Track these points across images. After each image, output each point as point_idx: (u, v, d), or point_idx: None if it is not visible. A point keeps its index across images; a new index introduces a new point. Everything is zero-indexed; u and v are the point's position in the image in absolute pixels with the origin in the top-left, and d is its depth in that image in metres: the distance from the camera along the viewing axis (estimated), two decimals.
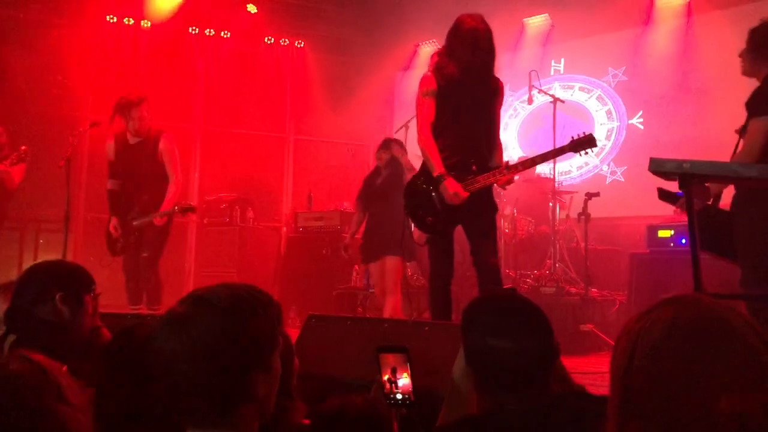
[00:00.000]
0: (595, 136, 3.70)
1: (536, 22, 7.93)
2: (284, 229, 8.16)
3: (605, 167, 7.39)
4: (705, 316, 0.91)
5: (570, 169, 7.58)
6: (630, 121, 7.30)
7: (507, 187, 3.92)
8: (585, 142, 3.62)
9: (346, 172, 8.75)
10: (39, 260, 7.53)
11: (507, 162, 3.77)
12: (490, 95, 3.79)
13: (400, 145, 5.57)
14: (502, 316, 1.56)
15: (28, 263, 7.55)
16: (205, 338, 1.21)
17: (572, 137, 3.67)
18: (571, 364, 4.59)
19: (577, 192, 6.60)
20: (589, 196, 5.64)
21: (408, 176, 4.87)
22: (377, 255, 5.35)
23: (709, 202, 2.96)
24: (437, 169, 3.65)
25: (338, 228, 7.10)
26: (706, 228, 2.82)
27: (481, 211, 3.73)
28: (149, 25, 8.15)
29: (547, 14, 7.81)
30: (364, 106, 8.41)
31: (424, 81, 3.79)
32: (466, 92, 3.70)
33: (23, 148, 5.50)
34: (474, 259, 3.74)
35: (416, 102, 3.84)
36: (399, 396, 1.86)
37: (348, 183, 8.44)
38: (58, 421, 1.36)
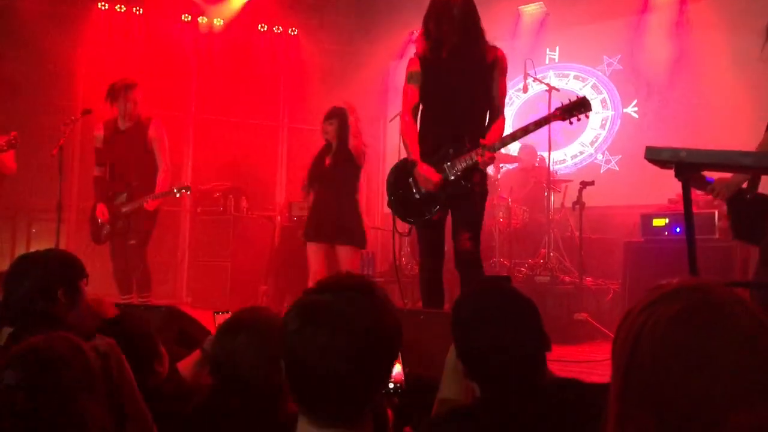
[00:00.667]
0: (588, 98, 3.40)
1: (531, 9, 7.89)
2: (278, 218, 8.13)
3: (600, 156, 7.38)
4: (714, 316, 0.87)
5: (565, 158, 7.57)
6: (625, 110, 7.29)
7: (490, 167, 3.79)
8: (576, 107, 3.35)
9: None
10: (31, 249, 7.53)
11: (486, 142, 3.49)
12: (478, 68, 3.54)
13: (343, 115, 4.98)
14: (488, 310, 1.53)
15: (20, 252, 7.53)
16: (359, 332, 1.15)
17: (561, 103, 3.41)
18: (565, 352, 4.61)
19: (571, 181, 6.60)
20: (584, 184, 5.63)
21: (354, 143, 4.73)
22: (323, 238, 4.78)
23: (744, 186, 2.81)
24: (411, 154, 3.56)
25: None
26: (741, 215, 2.74)
27: (463, 196, 3.55)
28: (141, 12, 8.08)
29: (541, 2, 7.77)
30: (358, 94, 8.34)
31: (408, 64, 3.69)
32: (445, 69, 3.52)
33: (13, 133, 5.46)
34: (453, 245, 3.59)
35: (403, 84, 3.71)
36: (390, 385, 1.85)
37: None
38: (82, 410, 1.39)
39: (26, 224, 7.45)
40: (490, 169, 6.66)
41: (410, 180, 3.61)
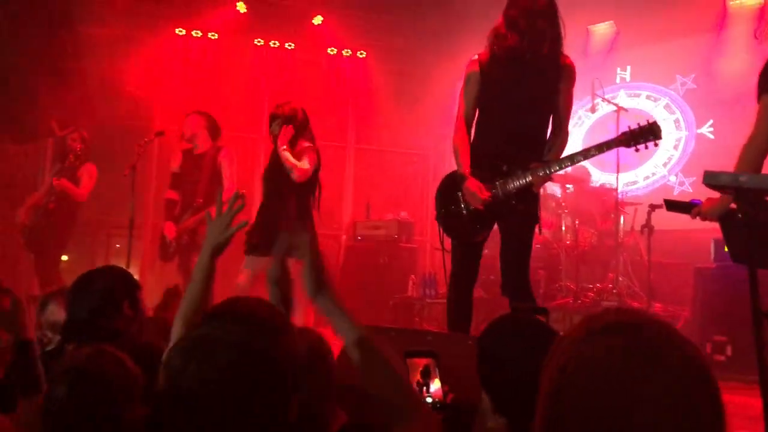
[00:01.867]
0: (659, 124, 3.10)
1: (601, 29, 7.76)
2: (343, 237, 8.22)
3: (673, 178, 7.15)
4: (644, 360, 0.82)
5: (636, 180, 7.36)
6: (699, 131, 7.04)
7: (542, 189, 3.48)
8: (644, 134, 3.07)
9: (405, 182, 8.76)
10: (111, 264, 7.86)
11: (541, 162, 3.28)
12: (554, 72, 3.31)
13: (288, 118, 4.77)
14: (507, 345, 1.49)
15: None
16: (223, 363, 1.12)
17: (629, 127, 3.12)
18: None
19: (641, 203, 6.40)
20: (653, 207, 5.45)
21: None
22: (270, 251, 4.57)
23: None
24: (462, 167, 3.32)
25: (395, 237, 7.11)
26: (735, 237, 2.57)
27: (513, 220, 3.34)
28: (216, 37, 8.39)
29: (612, 21, 7.63)
30: (425, 115, 8.42)
31: (467, 65, 3.43)
32: (522, 69, 3.26)
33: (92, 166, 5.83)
34: (501, 269, 3.40)
35: (459, 93, 3.49)
36: (429, 401, 1.84)
37: (406, 192, 8.46)
38: (125, 423, 1.46)
39: (104, 240, 7.79)
40: (557, 190, 6.55)
41: (459, 194, 3.40)
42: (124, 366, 1.53)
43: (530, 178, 3.24)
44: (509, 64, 3.28)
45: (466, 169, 3.32)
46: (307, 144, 4.64)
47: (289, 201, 4.53)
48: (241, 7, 8.26)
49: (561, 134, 3.42)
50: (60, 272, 5.97)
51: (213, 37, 8.41)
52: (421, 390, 1.82)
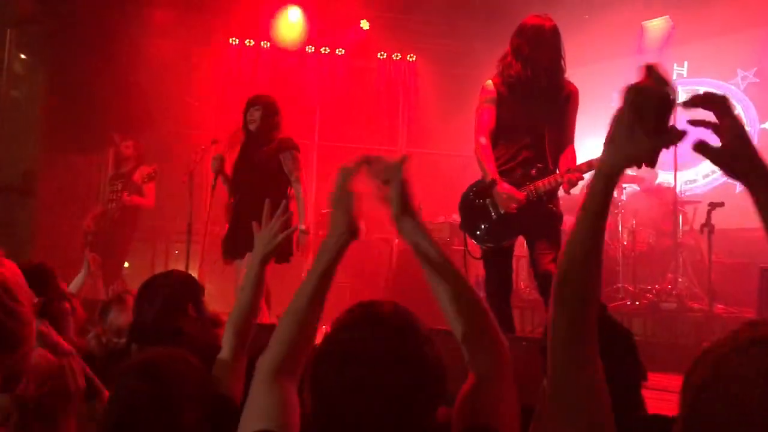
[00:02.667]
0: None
1: (655, 24, 7.58)
2: (395, 240, 8.24)
3: None
4: None
5: (695, 178, 7.17)
6: (762, 126, 6.81)
7: (572, 191, 3.56)
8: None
9: (457, 185, 8.72)
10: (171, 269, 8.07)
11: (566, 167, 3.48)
12: (560, 99, 3.56)
13: (268, 105, 4.50)
14: None
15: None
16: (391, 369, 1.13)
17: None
18: None
19: (701, 202, 6.23)
20: (713, 206, 5.30)
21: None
22: (237, 253, 4.29)
23: None
24: (490, 174, 3.48)
25: (448, 240, 7.09)
26: None
27: (542, 219, 3.49)
28: (268, 45, 8.54)
29: (667, 16, 7.45)
30: (473, 117, 8.37)
31: (482, 91, 3.66)
32: (530, 95, 3.50)
33: (153, 166, 5.95)
34: (534, 270, 3.50)
35: (475, 109, 3.67)
36: None
37: (458, 195, 8.42)
38: (188, 422, 1.50)
39: (164, 246, 8.01)
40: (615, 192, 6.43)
41: (487, 201, 3.55)
42: (190, 365, 1.58)
43: (561, 180, 3.40)
44: (519, 88, 3.52)
45: (495, 175, 3.48)
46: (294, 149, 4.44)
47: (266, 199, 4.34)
48: (294, 16, 8.38)
49: (569, 144, 3.60)
50: (123, 278, 6.18)
51: (265, 46, 8.56)
52: None
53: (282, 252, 4.19)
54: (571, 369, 1.07)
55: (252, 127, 4.42)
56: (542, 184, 3.45)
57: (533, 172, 3.48)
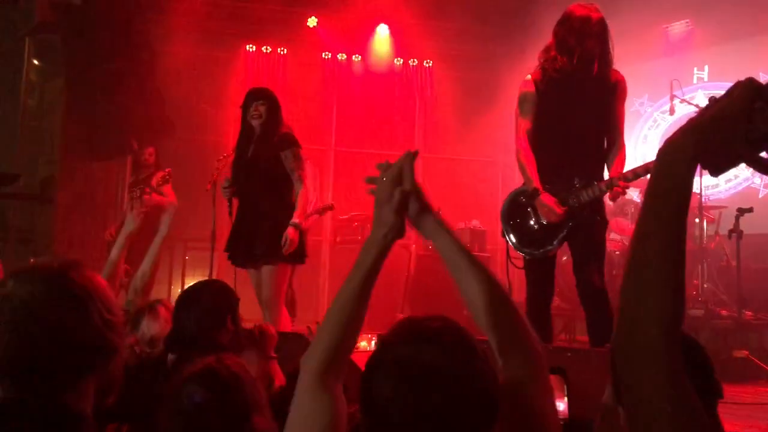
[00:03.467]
0: None
1: (677, 28, 7.51)
2: (413, 246, 8.19)
3: (758, 180, 6.83)
4: None
5: (717, 182, 7.07)
6: None
7: (618, 199, 3.51)
8: None
9: (475, 190, 8.67)
10: (186, 276, 8.05)
11: (615, 174, 3.31)
12: (606, 91, 3.37)
13: (273, 99, 4.21)
14: None
15: (177, 279, 8.10)
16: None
17: None
18: (725, 392, 4.24)
19: (726, 207, 6.15)
20: (741, 211, 5.22)
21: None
22: (248, 261, 4.13)
23: None
24: (533, 181, 3.34)
25: (468, 246, 7.03)
26: None
27: (586, 228, 3.35)
28: (285, 52, 8.54)
29: (688, 19, 7.38)
30: (493, 123, 8.33)
31: (521, 85, 3.49)
32: (574, 90, 3.33)
33: (167, 170, 5.92)
34: (576, 279, 3.39)
35: (515, 110, 3.51)
36: None
37: (477, 201, 8.37)
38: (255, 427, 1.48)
39: (182, 253, 8.00)
40: (635, 195, 6.35)
41: (529, 210, 3.44)
42: (249, 374, 1.55)
43: (606, 189, 3.27)
44: (562, 84, 3.35)
45: (538, 184, 3.35)
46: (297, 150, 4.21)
47: (270, 199, 4.10)
48: (312, 22, 8.38)
49: (618, 147, 3.44)
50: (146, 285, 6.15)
51: (282, 52, 8.55)
52: None
53: (296, 253, 4.08)
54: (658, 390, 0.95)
55: (255, 122, 4.17)
56: (586, 194, 3.33)
57: (577, 181, 3.35)
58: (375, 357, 1.13)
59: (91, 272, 1.35)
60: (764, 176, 6.78)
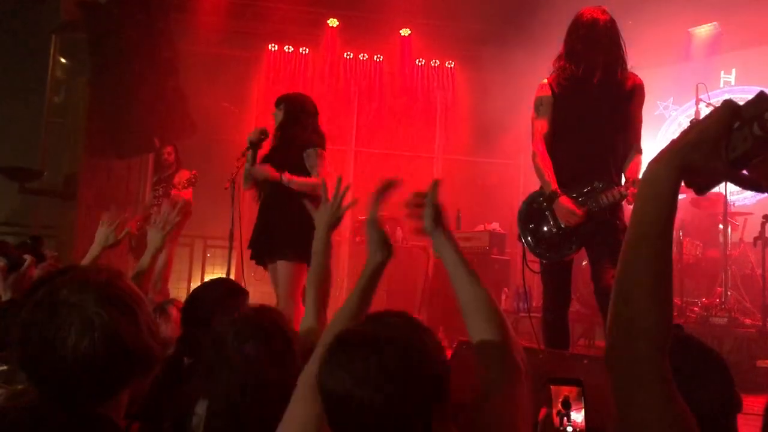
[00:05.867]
0: None
1: (703, 31, 7.40)
2: (432, 249, 8.16)
3: None
4: None
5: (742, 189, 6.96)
6: None
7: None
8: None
9: (496, 192, 8.62)
10: (206, 273, 8.09)
11: (633, 177, 3.26)
12: (621, 96, 3.30)
13: (290, 103, 4.28)
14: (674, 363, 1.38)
15: (196, 277, 8.15)
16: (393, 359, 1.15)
17: None
18: (747, 403, 4.15)
19: (752, 214, 6.03)
20: (767, 218, 5.12)
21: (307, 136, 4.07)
22: (266, 257, 4.18)
23: None
24: (551, 184, 3.29)
25: (487, 248, 6.99)
26: None
27: (605, 232, 3.27)
28: (307, 51, 8.55)
29: (715, 22, 7.26)
30: (514, 124, 8.26)
31: (537, 89, 3.45)
32: (589, 95, 3.28)
33: (194, 171, 5.96)
34: (595, 286, 3.29)
35: (531, 115, 3.46)
36: (569, 431, 1.72)
37: (497, 203, 8.31)
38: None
39: (201, 251, 8.05)
40: None
41: (547, 213, 3.37)
42: (288, 323, 1.62)
43: (626, 192, 3.21)
44: (575, 89, 3.32)
45: (556, 187, 3.31)
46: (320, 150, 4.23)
47: (288, 198, 4.09)
48: (333, 22, 8.38)
49: (636, 151, 3.39)
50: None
51: (304, 52, 8.57)
52: (562, 421, 1.71)
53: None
54: (643, 402, 0.98)
55: (276, 126, 4.33)
56: (605, 198, 3.26)
57: (596, 184, 3.30)
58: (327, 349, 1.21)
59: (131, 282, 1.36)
60: None
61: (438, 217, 1.61)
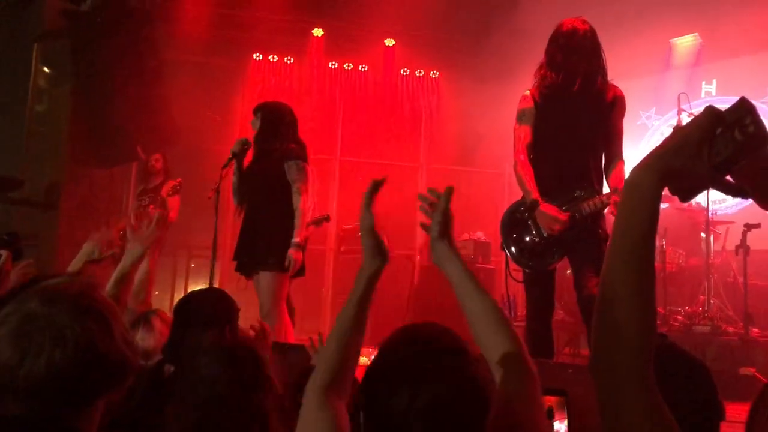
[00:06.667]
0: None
1: (685, 42, 7.49)
2: (417, 257, 8.15)
3: None
4: None
5: (724, 198, 7.02)
6: None
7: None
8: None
9: (481, 201, 8.64)
10: (189, 283, 8.03)
11: (615, 186, 3.29)
12: (602, 106, 3.35)
13: (266, 112, 4.25)
14: (658, 371, 1.39)
15: (180, 287, 8.08)
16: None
17: None
18: (729, 411, 4.17)
19: (733, 223, 6.09)
20: (749, 227, 5.17)
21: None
22: (251, 267, 4.16)
23: None
24: (531, 194, 3.32)
25: (472, 257, 7.00)
26: None
27: (587, 241, 3.31)
28: (292, 61, 8.55)
29: (696, 33, 7.35)
30: (499, 133, 8.30)
31: (520, 101, 3.50)
32: (569, 104, 3.32)
33: (178, 179, 5.92)
34: (578, 295, 3.32)
35: (513, 125, 3.50)
36: None
37: (482, 212, 8.33)
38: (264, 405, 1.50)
39: (185, 261, 7.98)
40: None
41: (529, 222, 3.39)
42: (264, 355, 1.64)
43: (608, 201, 3.23)
44: (557, 99, 3.36)
45: (537, 195, 3.32)
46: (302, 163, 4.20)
47: (269, 208, 4.13)
48: (317, 32, 8.39)
49: (618, 161, 3.42)
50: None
51: (289, 62, 8.56)
52: None
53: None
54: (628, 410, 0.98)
55: (253, 136, 4.31)
56: (587, 206, 3.30)
57: (578, 192, 3.33)
58: (375, 362, 1.22)
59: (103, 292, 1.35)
60: None
61: (446, 227, 1.60)
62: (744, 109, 0.98)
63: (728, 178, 1.01)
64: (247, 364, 1.55)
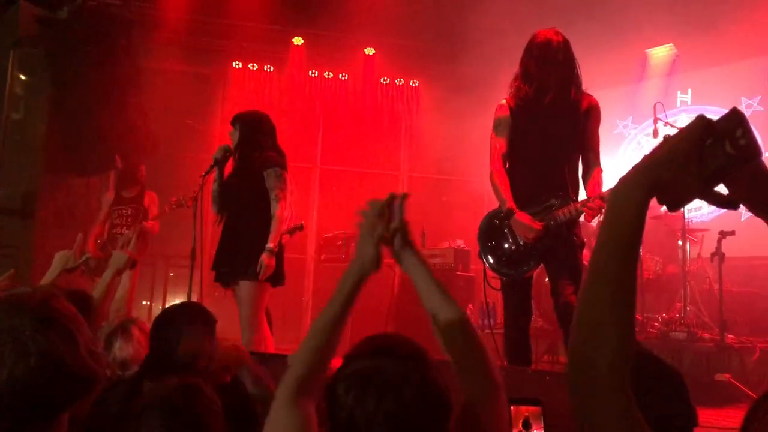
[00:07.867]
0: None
1: (660, 52, 7.60)
2: (398, 266, 8.15)
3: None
4: None
5: (700, 205, 7.12)
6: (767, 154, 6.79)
7: (595, 221, 3.46)
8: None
9: (460, 209, 8.67)
10: (168, 293, 7.96)
11: (592, 194, 3.32)
12: (577, 115, 3.39)
13: (245, 122, 4.24)
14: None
15: (158, 297, 8.01)
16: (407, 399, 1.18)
17: None
18: (705, 416, 4.23)
19: (708, 230, 6.18)
20: (723, 234, 5.25)
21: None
22: (230, 277, 4.13)
23: None
24: (507, 202, 3.36)
25: (451, 265, 7.01)
26: None
27: (563, 249, 3.36)
28: (272, 69, 8.54)
29: (671, 44, 7.47)
30: (479, 142, 8.34)
31: (496, 110, 3.54)
32: (543, 115, 3.36)
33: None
34: (555, 302, 3.36)
35: (490, 135, 3.53)
36: None
37: (462, 220, 8.36)
38: None
39: (164, 270, 7.91)
40: None
41: (506, 231, 3.43)
42: (212, 402, 1.52)
43: (583, 209, 3.26)
44: (530, 109, 3.40)
45: (512, 204, 3.36)
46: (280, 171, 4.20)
47: (248, 218, 4.12)
48: (297, 41, 8.39)
49: (595, 169, 3.45)
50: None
51: (269, 70, 8.55)
52: None
53: (276, 275, 4.12)
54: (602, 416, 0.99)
55: (233, 146, 4.28)
56: (562, 214, 3.33)
57: (553, 200, 3.36)
58: (339, 370, 1.24)
59: (67, 302, 1.32)
60: None
61: (405, 236, 1.59)
62: (736, 120, 0.95)
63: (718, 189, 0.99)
64: (185, 423, 1.50)
